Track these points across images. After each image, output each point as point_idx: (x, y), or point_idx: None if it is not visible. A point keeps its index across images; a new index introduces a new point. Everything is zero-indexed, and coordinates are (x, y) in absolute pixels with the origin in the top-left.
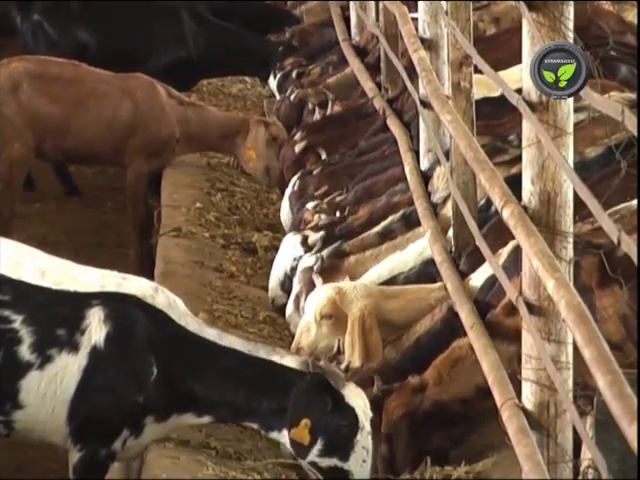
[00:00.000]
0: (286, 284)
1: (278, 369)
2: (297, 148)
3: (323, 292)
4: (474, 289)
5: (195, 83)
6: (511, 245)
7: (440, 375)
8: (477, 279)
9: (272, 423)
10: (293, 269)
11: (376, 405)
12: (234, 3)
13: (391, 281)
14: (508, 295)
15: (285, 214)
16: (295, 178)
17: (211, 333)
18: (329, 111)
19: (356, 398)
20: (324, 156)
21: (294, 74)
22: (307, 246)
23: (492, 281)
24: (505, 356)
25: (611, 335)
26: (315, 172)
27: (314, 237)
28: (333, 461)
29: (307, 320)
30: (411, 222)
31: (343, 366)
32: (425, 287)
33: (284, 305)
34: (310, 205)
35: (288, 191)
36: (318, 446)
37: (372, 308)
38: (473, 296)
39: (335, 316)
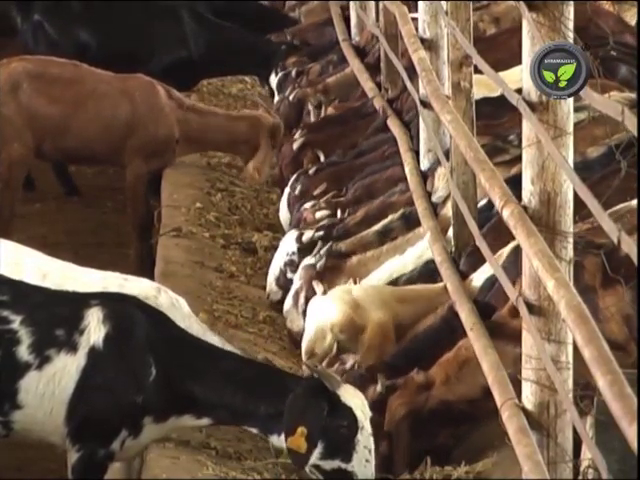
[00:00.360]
0: (281, 279)
1: (276, 374)
2: (295, 145)
3: (338, 306)
4: (475, 289)
5: (196, 83)
6: (511, 246)
7: (448, 376)
8: (478, 279)
9: (271, 427)
10: (286, 264)
11: (380, 404)
12: (234, 3)
13: (391, 284)
14: (508, 295)
15: (284, 214)
16: (293, 179)
17: (213, 336)
18: (323, 113)
19: (353, 398)
20: (322, 158)
21: (293, 73)
22: (301, 242)
23: (492, 281)
24: (511, 357)
25: (614, 335)
26: (311, 172)
27: (308, 234)
28: (336, 463)
29: (321, 327)
30: (411, 222)
31: (348, 365)
32: (434, 288)
33: (278, 301)
34: (309, 204)
35: (286, 191)
36: (319, 449)
37: (390, 319)
38: (474, 296)
39: (353, 330)
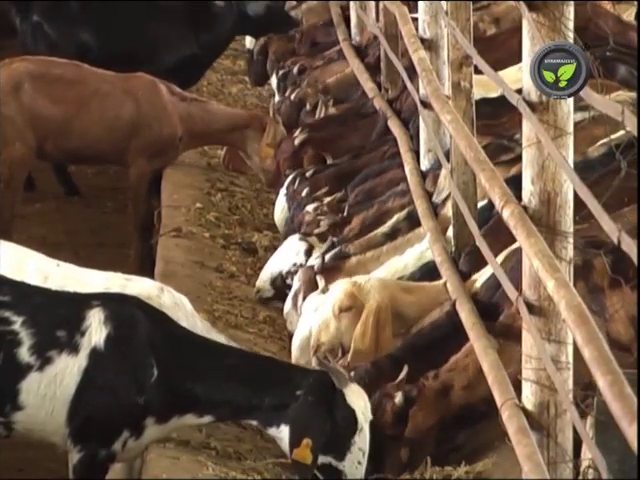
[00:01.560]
0: (277, 281)
1: (280, 365)
2: (296, 140)
3: (340, 287)
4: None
5: (198, 80)
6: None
7: (469, 381)
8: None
9: (271, 419)
10: (289, 272)
11: (400, 416)
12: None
13: None
14: (509, 295)
15: (279, 212)
16: (290, 179)
17: (218, 334)
18: (322, 113)
19: (357, 399)
20: (330, 161)
21: (295, 70)
22: (310, 256)
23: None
24: (519, 357)
25: (620, 335)
26: (308, 174)
27: (319, 252)
28: (328, 459)
29: (324, 318)
30: (416, 220)
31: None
32: (438, 284)
33: (268, 299)
34: (311, 207)
35: (284, 191)
36: None
37: (388, 302)
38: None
39: (354, 307)
